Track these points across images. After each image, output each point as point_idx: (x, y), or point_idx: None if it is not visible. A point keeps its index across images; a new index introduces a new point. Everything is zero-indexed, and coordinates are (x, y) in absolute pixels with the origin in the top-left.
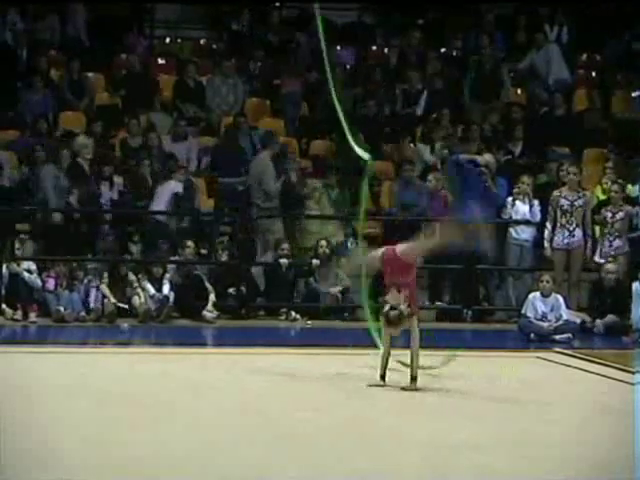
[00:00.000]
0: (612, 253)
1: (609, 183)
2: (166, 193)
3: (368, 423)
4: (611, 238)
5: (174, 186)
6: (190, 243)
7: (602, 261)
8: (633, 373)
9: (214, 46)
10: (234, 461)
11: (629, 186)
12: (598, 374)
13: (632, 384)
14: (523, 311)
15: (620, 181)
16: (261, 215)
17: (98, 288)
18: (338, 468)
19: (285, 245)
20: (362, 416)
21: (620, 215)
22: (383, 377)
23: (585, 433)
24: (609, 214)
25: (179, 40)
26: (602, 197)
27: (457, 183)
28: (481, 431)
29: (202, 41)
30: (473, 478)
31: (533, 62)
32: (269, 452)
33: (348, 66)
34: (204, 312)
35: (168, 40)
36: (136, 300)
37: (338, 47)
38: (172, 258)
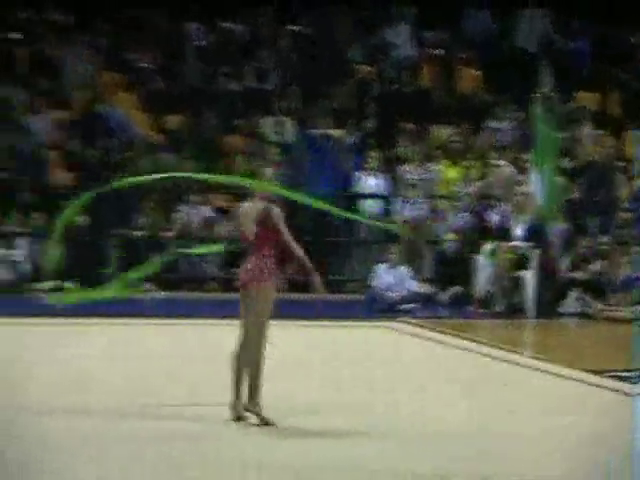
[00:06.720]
0: (457, 227)
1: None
2: None
3: None
4: (458, 212)
5: None
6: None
7: (447, 234)
8: (474, 341)
9: (66, 21)
10: None
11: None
12: (440, 341)
13: (474, 351)
14: (370, 282)
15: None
16: None
17: None
18: None
19: None
20: None
21: (472, 189)
22: None
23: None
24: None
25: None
26: (451, 173)
27: (308, 157)
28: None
29: (55, 16)
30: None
31: (383, 40)
32: None
33: (198, 43)
34: None
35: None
36: None
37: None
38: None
